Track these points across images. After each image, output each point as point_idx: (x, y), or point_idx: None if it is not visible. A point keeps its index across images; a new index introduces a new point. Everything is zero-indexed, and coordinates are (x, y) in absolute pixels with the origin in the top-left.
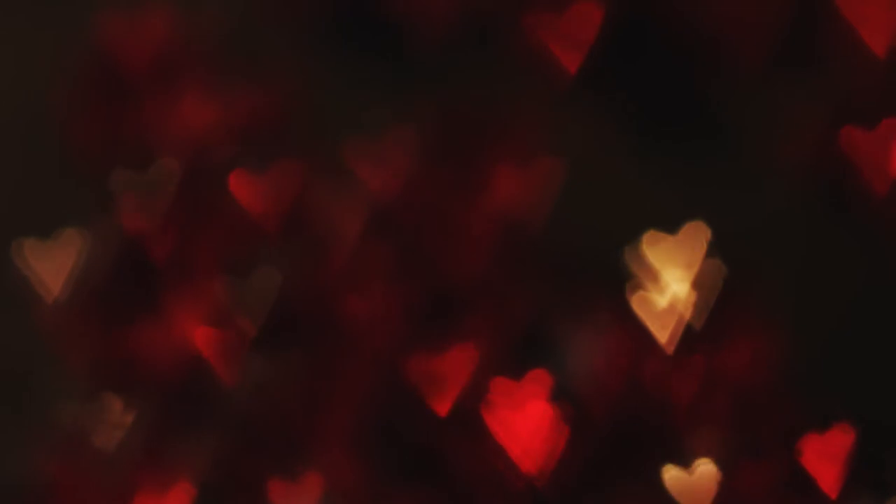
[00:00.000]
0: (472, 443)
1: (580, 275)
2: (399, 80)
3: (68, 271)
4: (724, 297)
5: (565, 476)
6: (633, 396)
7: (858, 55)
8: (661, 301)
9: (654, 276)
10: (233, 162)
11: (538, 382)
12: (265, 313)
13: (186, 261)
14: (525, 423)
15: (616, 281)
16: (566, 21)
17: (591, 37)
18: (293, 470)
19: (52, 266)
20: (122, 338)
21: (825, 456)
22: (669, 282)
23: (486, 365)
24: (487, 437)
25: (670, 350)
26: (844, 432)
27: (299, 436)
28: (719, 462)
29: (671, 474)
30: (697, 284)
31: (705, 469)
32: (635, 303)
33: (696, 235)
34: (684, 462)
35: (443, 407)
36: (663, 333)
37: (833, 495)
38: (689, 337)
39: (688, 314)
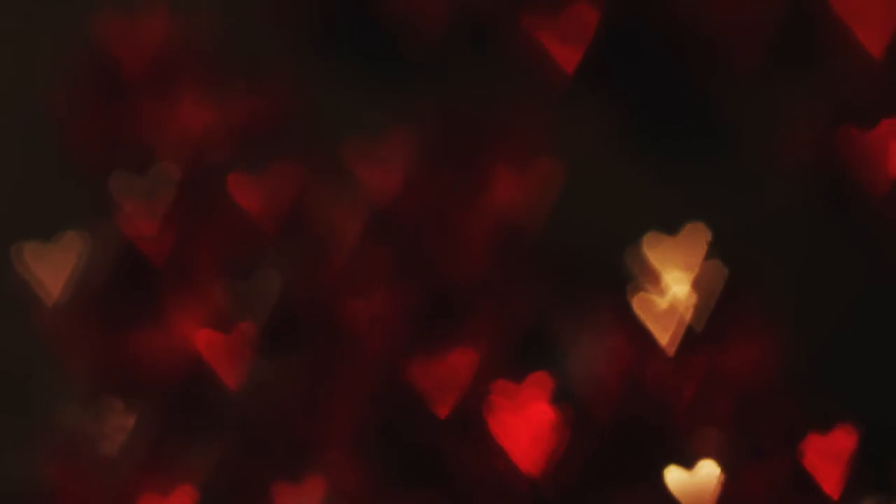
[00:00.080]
0: (473, 445)
1: (580, 276)
2: (399, 80)
3: (68, 274)
4: (725, 297)
5: (566, 478)
6: (635, 398)
7: (857, 55)
8: (662, 302)
9: (655, 278)
10: (232, 163)
11: (539, 385)
12: (265, 315)
13: (186, 263)
14: (526, 426)
15: (616, 282)
16: (564, 21)
17: (589, 37)
18: (295, 472)
19: (52, 269)
20: (122, 340)
21: (827, 456)
22: (670, 283)
23: (487, 367)
24: (488, 439)
25: (671, 351)
26: (846, 433)
27: (301, 438)
28: (721, 463)
29: (674, 475)
30: (698, 286)
31: (708, 470)
32: (636, 304)
33: (697, 237)
34: (686, 463)
35: (444, 409)
36: (664, 335)
37: (835, 496)
38: (690, 338)
39: (688, 315)
